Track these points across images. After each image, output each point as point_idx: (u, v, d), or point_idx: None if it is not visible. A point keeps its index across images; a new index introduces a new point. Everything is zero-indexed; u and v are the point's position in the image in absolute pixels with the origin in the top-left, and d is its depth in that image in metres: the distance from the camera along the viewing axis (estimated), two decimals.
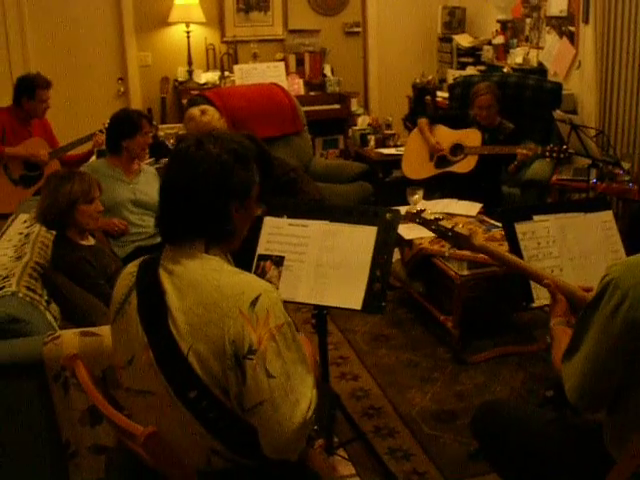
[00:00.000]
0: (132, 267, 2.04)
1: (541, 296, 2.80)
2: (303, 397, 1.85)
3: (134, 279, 1.99)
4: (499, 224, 4.29)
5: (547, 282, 2.40)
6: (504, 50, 7.58)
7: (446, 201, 4.89)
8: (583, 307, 1.98)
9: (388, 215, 2.82)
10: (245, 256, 2.87)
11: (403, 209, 4.46)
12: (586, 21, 6.40)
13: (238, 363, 1.80)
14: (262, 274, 2.85)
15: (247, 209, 2.01)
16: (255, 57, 7.87)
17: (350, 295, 2.75)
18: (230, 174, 1.93)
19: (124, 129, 4.31)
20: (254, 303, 1.82)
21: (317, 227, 2.88)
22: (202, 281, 1.87)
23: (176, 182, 1.95)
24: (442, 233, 2.75)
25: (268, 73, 7.30)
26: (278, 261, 2.86)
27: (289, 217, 2.93)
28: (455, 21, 8.49)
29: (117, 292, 2.03)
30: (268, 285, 1.92)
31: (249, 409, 1.83)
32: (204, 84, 7.42)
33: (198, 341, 1.82)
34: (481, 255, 3.89)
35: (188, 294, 1.87)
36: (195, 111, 4.63)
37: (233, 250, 2.07)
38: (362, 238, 2.80)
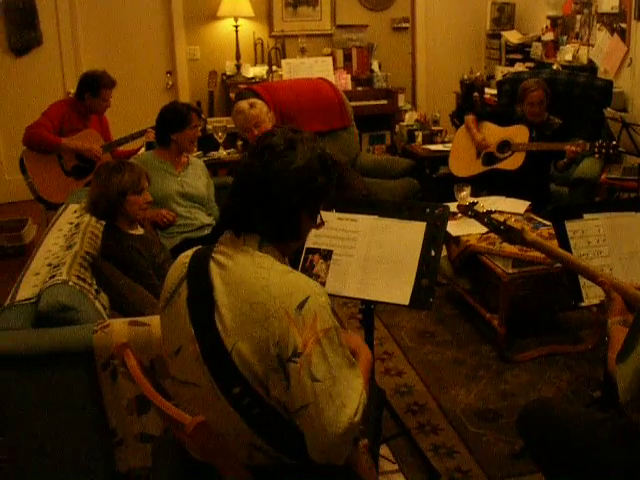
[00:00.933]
0: (185, 257, 2.04)
1: (590, 295, 2.77)
2: (349, 401, 1.83)
3: (185, 270, 1.99)
4: (547, 222, 4.25)
5: (602, 280, 2.37)
6: (554, 47, 7.50)
7: (493, 198, 4.85)
8: (638, 306, 1.96)
9: (437, 211, 2.80)
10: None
11: (451, 205, 4.45)
12: (638, 18, 6.31)
13: (282, 365, 1.80)
14: (310, 267, 2.86)
15: (313, 218, 2.03)
16: (303, 52, 7.88)
17: (398, 290, 2.74)
18: (314, 178, 1.93)
19: (173, 122, 4.34)
20: (301, 305, 1.81)
21: (366, 222, 2.87)
22: (251, 279, 1.86)
23: (257, 174, 1.93)
24: (494, 227, 2.73)
25: (316, 68, 7.31)
26: (326, 255, 2.86)
27: (338, 211, 2.93)
28: (504, 17, 8.42)
29: (168, 282, 2.04)
30: (318, 288, 1.90)
31: (294, 412, 1.83)
32: (252, 78, 7.45)
33: (242, 339, 1.82)
34: (528, 253, 3.89)
35: (236, 291, 1.87)
36: (244, 104, 4.66)
37: (289, 254, 2.06)
38: (411, 233, 2.79)
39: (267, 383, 1.83)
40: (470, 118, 5.56)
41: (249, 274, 1.87)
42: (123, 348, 2.20)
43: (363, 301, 2.90)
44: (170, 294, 2.01)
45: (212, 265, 1.94)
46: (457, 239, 4.32)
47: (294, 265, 2.22)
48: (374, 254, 2.81)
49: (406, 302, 2.73)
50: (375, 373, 3.35)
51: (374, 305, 2.95)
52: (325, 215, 2.89)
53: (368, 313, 2.97)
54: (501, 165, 5.29)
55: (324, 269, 2.84)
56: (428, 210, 2.81)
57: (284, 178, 1.90)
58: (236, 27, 7.61)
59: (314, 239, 2.92)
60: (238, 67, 7.64)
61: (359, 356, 2.13)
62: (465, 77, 7.70)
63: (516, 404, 3.62)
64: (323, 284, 2.82)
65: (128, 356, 2.18)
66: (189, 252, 2.06)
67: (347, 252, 2.85)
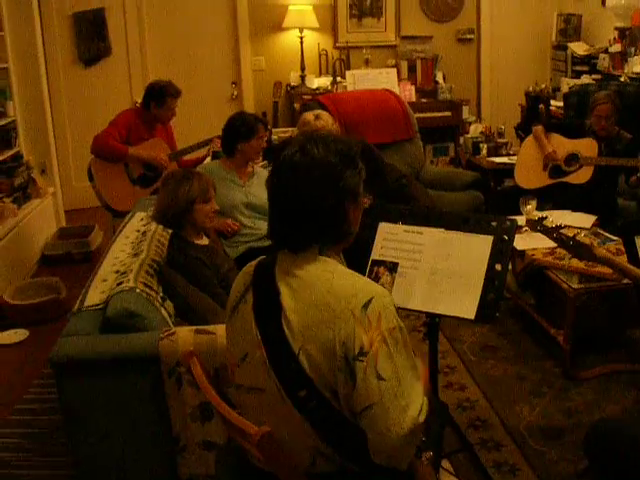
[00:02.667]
0: (249, 267, 2.08)
1: None
2: (413, 403, 1.84)
3: (251, 278, 2.03)
4: (615, 237, 4.19)
5: None
6: (621, 59, 7.38)
7: (559, 212, 4.79)
8: None
9: (505, 224, 2.78)
10: (358, 258, 2.88)
11: (522, 218, 4.41)
12: None
13: (348, 365, 1.81)
14: (375, 279, 2.85)
15: (358, 204, 2.02)
16: (367, 63, 7.90)
17: (464, 304, 2.72)
18: (340, 176, 1.93)
19: (240, 132, 4.38)
20: (366, 305, 1.83)
21: (432, 234, 2.86)
22: (316, 282, 1.89)
23: (286, 190, 1.94)
24: (563, 242, 2.70)
25: (380, 79, 7.31)
26: (392, 267, 2.85)
27: (404, 223, 2.91)
28: (570, 28, 8.33)
29: (234, 290, 2.08)
30: (381, 289, 1.92)
31: (359, 412, 1.83)
32: (316, 89, 7.48)
33: (309, 341, 1.84)
34: (595, 269, 3.83)
35: (302, 295, 1.89)
36: (309, 115, 4.68)
37: (346, 247, 2.07)
38: (478, 247, 2.76)
39: (335, 385, 1.85)
40: (539, 128, 5.51)
41: (314, 278, 1.90)
42: (189, 356, 2.23)
43: (428, 314, 2.88)
44: (236, 302, 2.05)
45: (277, 272, 1.97)
46: (522, 253, 4.28)
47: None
48: (440, 267, 2.79)
49: (472, 316, 2.70)
50: (437, 387, 3.32)
51: (439, 319, 2.93)
52: (391, 227, 2.92)
53: (433, 327, 2.95)
54: (568, 178, 5.22)
55: (389, 281, 2.83)
56: (495, 223, 2.78)
57: (309, 186, 1.91)
58: (301, 38, 7.67)
59: (380, 251, 2.91)
60: (303, 78, 7.68)
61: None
62: (530, 89, 7.63)
63: (580, 422, 3.57)
64: None
65: (194, 364, 2.20)
66: (253, 262, 2.09)
67: (413, 265, 2.83)
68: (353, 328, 1.81)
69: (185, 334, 2.78)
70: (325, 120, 4.68)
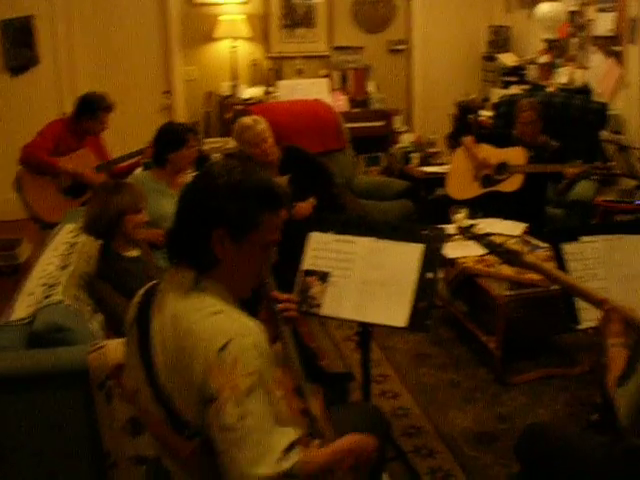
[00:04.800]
0: (137, 297, 2.04)
1: (586, 318, 2.76)
2: (270, 452, 1.73)
3: (136, 311, 2.00)
4: (544, 244, 4.26)
5: (602, 300, 2.36)
6: (549, 70, 7.53)
7: (490, 220, 4.85)
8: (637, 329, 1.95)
9: (434, 233, 2.80)
10: (289, 272, 2.88)
11: (453, 227, 4.45)
12: (633, 41, 6.35)
13: (204, 409, 1.76)
14: (306, 290, 2.85)
15: (245, 244, 1.91)
16: (300, 73, 7.90)
17: (395, 313, 2.73)
18: (214, 199, 1.87)
19: (170, 142, 4.35)
20: (223, 349, 1.75)
21: (364, 243, 2.87)
22: (181, 320, 1.83)
23: (180, 206, 1.94)
24: (493, 248, 2.73)
25: (312, 89, 7.33)
26: (323, 277, 2.85)
27: (335, 233, 2.92)
28: (500, 40, 8.47)
29: (126, 323, 2.05)
30: (244, 329, 1.82)
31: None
32: (248, 99, 7.44)
33: (173, 382, 1.82)
34: (525, 275, 3.89)
35: (167, 335, 1.85)
36: (248, 120, 4.70)
37: (240, 291, 1.99)
38: (409, 255, 2.78)
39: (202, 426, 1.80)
40: (469, 139, 5.57)
41: (180, 315, 1.84)
42: (119, 369, 2.19)
43: (360, 323, 2.89)
44: (127, 336, 2.02)
45: (154, 305, 1.93)
46: (453, 261, 4.32)
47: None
48: (371, 276, 2.80)
49: (404, 324, 2.71)
50: (371, 395, 3.31)
51: (371, 327, 2.94)
52: (322, 237, 2.92)
53: (365, 335, 2.96)
54: (499, 187, 5.30)
55: (321, 291, 2.83)
56: (425, 232, 2.81)
57: (188, 202, 1.91)
58: (233, 48, 7.64)
59: (311, 261, 2.91)
60: (234, 88, 7.64)
61: (345, 440, 1.99)
62: (461, 99, 7.72)
63: (513, 427, 3.61)
64: (319, 306, 2.81)
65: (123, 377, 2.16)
66: (141, 290, 2.05)
67: (344, 274, 2.84)
68: (208, 373, 1.75)
69: (114, 347, 2.72)
70: (264, 124, 4.70)
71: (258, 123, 4.68)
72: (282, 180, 4.83)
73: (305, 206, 4.83)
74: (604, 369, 2.21)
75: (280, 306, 2.24)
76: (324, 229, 2.93)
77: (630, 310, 2.32)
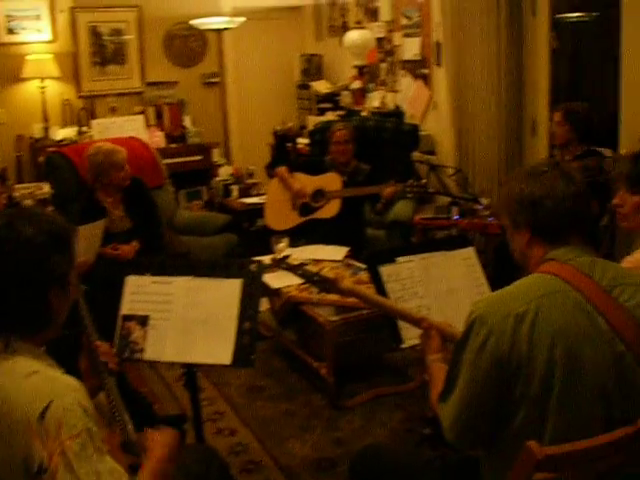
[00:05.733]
0: None
1: (409, 336, 2.80)
2: None
3: None
4: (365, 265, 4.32)
5: (419, 318, 2.41)
6: (362, 94, 7.74)
7: (312, 247, 4.89)
8: (455, 346, 2.00)
9: (252, 266, 2.79)
10: (109, 319, 2.79)
11: (268, 258, 4.45)
12: (438, 64, 6.62)
13: None
14: (127, 335, 2.77)
15: (67, 293, 1.86)
16: (113, 111, 7.75)
17: (219, 350, 2.69)
18: (47, 258, 1.78)
19: None
20: (44, 413, 1.63)
21: (181, 283, 2.81)
22: None
23: None
24: (308, 278, 2.74)
25: (127, 127, 7.18)
26: (143, 321, 2.77)
27: (152, 274, 2.85)
28: (313, 68, 8.63)
29: None
30: (62, 388, 1.71)
31: None
32: (61, 141, 7.21)
33: None
34: (349, 299, 3.93)
35: None
36: (98, 158, 4.81)
37: (53, 334, 1.89)
38: (227, 291, 2.75)
39: None
40: (282, 169, 5.60)
41: None
42: None
43: (184, 365, 2.83)
44: None
45: None
46: (278, 291, 4.32)
47: None
48: (192, 315, 2.75)
49: (228, 362, 2.68)
50: (206, 435, 3.25)
51: (195, 368, 2.89)
52: (139, 280, 2.85)
53: (190, 376, 2.89)
54: (318, 214, 5.35)
55: (142, 335, 2.75)
56: (243, 266, 2.79)
57: (9, 268, 1.76)
58: (42, 88, 7.41)
59: (129, 305, 2.83)
60: (46, 130, 7.40)
61: (150, 456, 1.95)
62: (277, 128, 7.80)
63: (351, 450, 3.62)
64: (142, 351, 2.73)
65: None
66: None
67: (164, 316, 2.77)
68: (30, 443, 1.62)
69: None
70: (111, 145, 4.83)
71: (105, 144, 4.90)
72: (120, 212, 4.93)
73: (128, 249, 4.73)
74: (428, 385, 2.25)
75: (101, 356, 2.16)
76: (140, 271, 2.86)
77: (447, 325, 2.38)
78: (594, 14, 5.79)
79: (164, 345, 2.73)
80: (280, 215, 5.50)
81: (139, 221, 5.00)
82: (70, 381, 1.74)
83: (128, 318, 2.80)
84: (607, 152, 4.96)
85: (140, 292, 2.84)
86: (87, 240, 4.14)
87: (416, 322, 2.43)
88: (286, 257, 2.62)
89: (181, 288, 2.81)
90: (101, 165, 4.85)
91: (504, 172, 6.02)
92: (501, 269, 4.53)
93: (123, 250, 4.71)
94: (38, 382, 1.70)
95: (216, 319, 2.72)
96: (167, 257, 4.70)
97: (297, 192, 5.44)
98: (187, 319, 2.75)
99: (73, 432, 1.64)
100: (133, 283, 2.86)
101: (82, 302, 2.26)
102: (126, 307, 2.82)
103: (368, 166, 5.50)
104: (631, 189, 2.77)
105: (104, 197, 4.95)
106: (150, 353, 2.73)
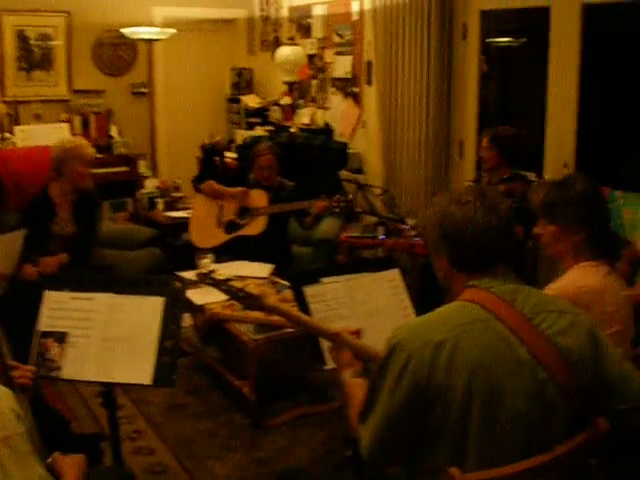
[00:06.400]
0: None
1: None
2: None
3: None
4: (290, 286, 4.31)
5: (332, 333, 2.40)
6: (291, 110, 7.75)
7: (237, 263, 4.86)
8: (373, 364, 1.99)
9: (175, 284, 2.74)
10: (25, 334, 2.72)
11: (192, 273, 4.40)
12: (369, 82, 6.67)
13: None
14: (44, 352, 2.69)
15: None
16: (38, 118, 7.57)
17: (139, 370, 2.64)
18: None
19: None
20: None
21: (102, 300, 2.75)
22: None
23: None
24: (233, 294, 2.71)
25: (52, 134, 7.00)
26: (61, 338, 2.70)
27: (71, 290, 2.78)
28: (243, 82, 8.62)
29: None
30: None
31: None
32: None
33: None
34: (273, 317, 3.90)
35: None
36: (67, 144, 4.89)
37: None
38: (149, 309, 2.71)
39: None
40: (212, 183, 5.54)
41: None
42: None
43: (103, 384, 2.76)
44: None
45: None
46: (201, 307, 4.26)
47: None
48: (112, 333, 2.69)
49: (148, 382, 2.63)
50: (124, 454, 3.17)
51: (114, 387, 2.82)
52: (58, 295, 2.77)
53: (108, 394, 2.82)
54: (244, 231, 5.31)
55: (59, 353, 2.68)
56: (165, 284, 2.74)
57: None
58: None
59: (47, 321, 2.75)
60: None
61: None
62: (206, 142, 7.74)
63: (273, 470, 3.60)
64: (59, 369, 2.66)
65: None
66: None
67: (84, 333, 2.71)
68: None
69: None
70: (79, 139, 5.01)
71: (70, 140, 5.06)
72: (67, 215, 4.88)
73: (52, 262, 4.62)
74: (345, 404, 2.24)
75: (15, 374, 2.10)
76: (59, 287, 2.78)
77: (362, 344, 2.38)
78: (522, 39, 5.89)
79: (83, 364, 2.67)
80: (206, 232, 5.43)
81: (81, 230, 4.93)
82: (2, 388, 1.77)
83: (45, 334, 2.73)
84: (532, 176, 5.06)
85: (59, 308, 2.77)
86: (3, 251, 4.02)
87: (331, 337, 2.43)
88: (212, 272, 2.60)
89: (102, 305, 2.75)
90: (67, 152, 4.81)
91: (431, 193, 6.09)
92: (426, 289, 4.56)
93: (46, 263, 4.59)
94: None
95: (137, 337, 2.68)
96: (89, 271, 4.60)
97: (222, 208, 5.39)
98: (108, 337, 2.69)
99: (4, 434, 1.65)
100: (51, 298, 2.79)
101: None
102: (44, 323, 2.75)
103: (292, 183, 5.49)
104: (546, 219, 2.81)
105: (57, 193, 4.88)
106: (68, 372, 2.66)
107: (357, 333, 2.42)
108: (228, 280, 2.81)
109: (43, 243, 4.72)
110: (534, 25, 5.52)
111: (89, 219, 5.02)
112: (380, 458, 1.94)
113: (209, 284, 2.82)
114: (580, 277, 2.71)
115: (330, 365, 2.72)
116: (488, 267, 1.97)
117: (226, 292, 2.74)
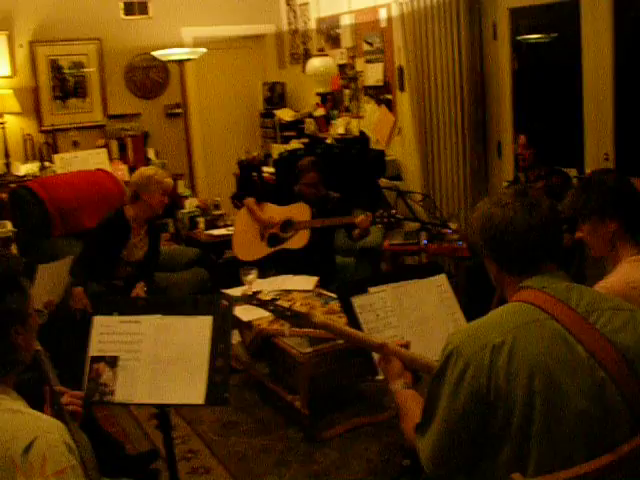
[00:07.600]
0: None
1: None
2: None
3: None
4: (336, 296, 4.28)
5: (381, 344, 2.37)
6: (326, 122, 7.74)
7: (281, 278, 4.85)
8: (429, 375, 1.96)
9: (222, 302, 2.73)
10: (76, 362, 2.73)
11: (238, 291, 4.39)
12: (402, 89, 6.64)
13: None
14: (97, 377, 2.69)
15: (28, 327, 1.87)
16: (76, 145, 7.68)
17: (191, 390, 2.63)
18: (1, 300, 1.79)
19: None
20: (28, 449, 1.64)
21: (150, 322, 2.75)
22: None
23: None
24: (280, 313, 2.70)
25: (90, 160, 7.07)
26: (112, 362, 2.70)
27: (120, 314, 2.79)
28: (276, 96, 8.65)
29: None
30: (49, 423, 1.74)
31: None
32: (23, 176, 7.12)
33: None
34: (322, 331, 3.88)
35: None
36: (149, 171, 4.87)
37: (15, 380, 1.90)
38: (198, 329, 2.69)
39: None
40: (251, 201, 5.54)
41: None
42: None
43: (156, 405, 2.76)
44: None
45: None
46: (249, 324, 4.25)
47: None
48: (162, 355, 2.69)
49: (201, 401, 2.62)
50: (180, 475, 3.17)
51: (168, 408, 2.82)
52: (107, 320, 2.78)
53: (163, 417, 2.82)
54: (287, 245, 5.30)
55: (111, 377, 2.68)
56: (212, 302, 2.74)
57: None
58: (2, 124, 7.34)
59: (98, 346, 2.75)
60: (7, 165, 7.32)
61: None
62: (242, 158, 7.77)
63: None
64: (112, 393, 2.66)
65: None
66: None
67: (134, 356, 2.70)
68: (15, 478, 1.61)
69: None
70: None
71: (157, 172, 4.90)
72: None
73: (82, 296, 4.64)
74: (398, 414, 2.20)
75: (64, 400, 2.14)
76: (107, 311, 2.79)
77: (410, 353, 2.34)
78: (554, 35, 5.82)
79: (135, 386, 2.66)
80: (249, 246, 5.44)
81: (149, 254, 5.00)
82: (53, 420, 1.76)
83: (96, 359, 2.73)
84: (572, 172, 4.99)
85: (108, 332, 2.77)
86: (51, 279, 4.04)
87: (378, 349, 2.40)
88: (257, 293, 2.59)
89: (150, 327, 2.74)
90: (149, 179, 4.82)
91: (471, 195, 6.04)
92: (473, 292, 4.52)
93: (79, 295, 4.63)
94: (21, 420, 1.72)
95: (187, 358, 2.66)
96: (133, 296, 4.63)
97: (265, 222, 5.39)
98: (158, 359, 2.68)
99: (58, 468, 1.64)
100: (100, 323, 2.79)
101: (42, 352, 2.23)
102: (94, 348, 2.75)
103: (337, 194, 5.45)
104: (580, 220, 2.81)
105: (132, 217, 4.92)
106: (121, 395, 2.66)
107: (406, 345, 2.38)
108: (274, 300, 2.80)
109: (112, 266, 4.78)
110: (565, 19, 5.47)
111: (156, 244, 5.10)
112: (443, 468, 1.91)
113: (255, 305, 2.81)
114: (628, 273, 2.67)
115: (382, 376, 2.70)
116: (536, 267, 1.95)
117: (273, 312, 2.73)
